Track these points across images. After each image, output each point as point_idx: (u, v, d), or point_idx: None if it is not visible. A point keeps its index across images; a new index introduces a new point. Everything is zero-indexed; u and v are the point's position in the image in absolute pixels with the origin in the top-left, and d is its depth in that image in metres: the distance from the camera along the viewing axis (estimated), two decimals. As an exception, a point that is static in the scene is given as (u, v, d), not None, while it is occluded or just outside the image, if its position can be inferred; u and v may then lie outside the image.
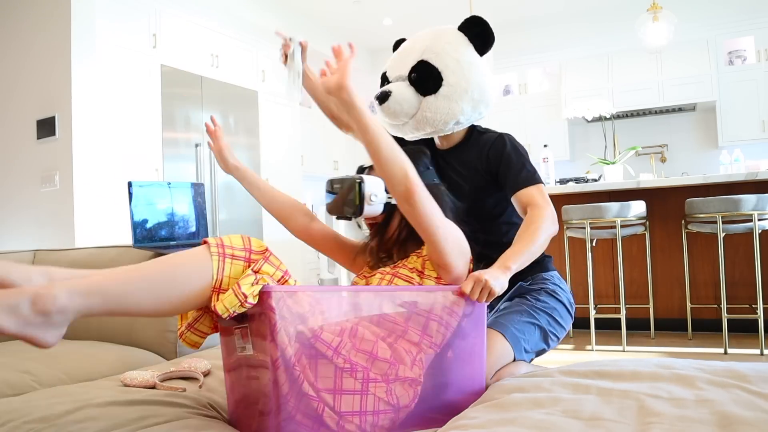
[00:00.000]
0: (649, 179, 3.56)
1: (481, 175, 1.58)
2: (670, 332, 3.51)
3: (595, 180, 3.96)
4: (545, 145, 4.01)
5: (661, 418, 0.93)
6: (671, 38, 4.16)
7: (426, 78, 1.53)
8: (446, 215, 1.29)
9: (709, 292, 3.46)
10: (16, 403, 1.15)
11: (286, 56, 1.62)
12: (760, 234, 2.99)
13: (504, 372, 1.35)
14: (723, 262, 3.06)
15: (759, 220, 2.96)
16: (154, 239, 1.80)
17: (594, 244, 3.47)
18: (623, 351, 3.11)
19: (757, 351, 2.94)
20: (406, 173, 1.14)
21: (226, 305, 0.97)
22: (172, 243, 1.84)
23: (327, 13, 6.00)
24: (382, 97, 1.56)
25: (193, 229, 1.91)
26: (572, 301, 1.60)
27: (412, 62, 1.55)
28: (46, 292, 0.89)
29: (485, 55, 1.59)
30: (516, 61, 6.54)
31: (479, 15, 1.58)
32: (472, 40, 1.57)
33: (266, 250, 1.09)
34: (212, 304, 1.00)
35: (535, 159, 1.92)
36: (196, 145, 4.60)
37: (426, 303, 1.18)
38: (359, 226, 1.49)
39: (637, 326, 3.55)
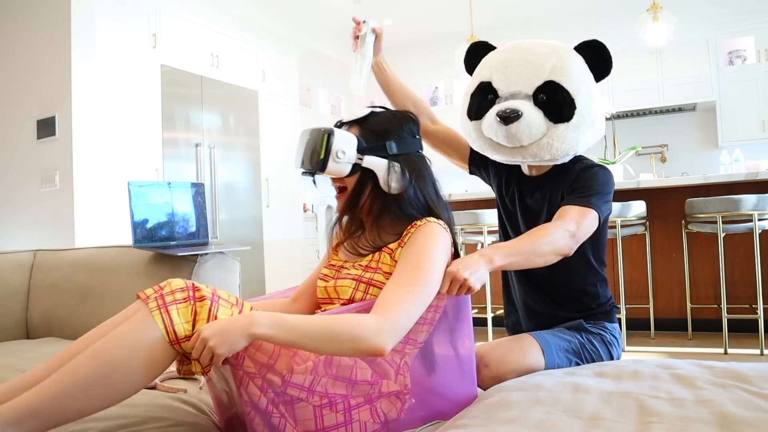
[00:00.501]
0: (649, 179, 3.56)
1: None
2: (670, 332, 3.51)
3: (595, 180, 3.95)
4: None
5: (661, 418, 0.93)
6: (671, 38, 4.16)
7: (559, 103, 1.37)
8: (428, 189, 1.22)
9: (709, 292, 3.46)
10: (16, 403, 1.14)
11: (357, 40, 1.46)
12: (760, 234, 2.99)
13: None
14: (723, 262, 3.06)
15: (759, 220, 2.96)
16: (154, 239, 1.80)
17: (594, 244, 3.47)
18: (623, 351, 3.10)
19: (757, 351, 2.94)
20: (351, 339, 0.95)
21: (194, 370, 0.92)
22: (172, 243, 1.84)
23: (327, 13, 6.00)
24: (510, 117, 1.36)
25: (193, 229, 1.91)
26: (621, 357, 1.55)
27: (539, 81, 1.38)
28: None
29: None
30: (516, 61, 6.53)
31: (600, 40, 1.43)
32: (590, 65, 1.43)
33: (214, 292, 0.99)
34: (178, 368, 0.93)
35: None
36: (196, 145, 4.60)
37: None
38: (314, 183, 1.33)
39: (637, 326, 3.55)
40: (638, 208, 3.16)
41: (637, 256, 3.56)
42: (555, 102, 1.37)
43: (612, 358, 1.50)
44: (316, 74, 6.80)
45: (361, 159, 1.18)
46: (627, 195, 3.47)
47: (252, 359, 0.94)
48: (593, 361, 1.45)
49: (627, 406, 1.00)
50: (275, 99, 5.55)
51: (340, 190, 1.25)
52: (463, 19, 5.80)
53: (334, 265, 1.29)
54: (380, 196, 1.19)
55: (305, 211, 6.26)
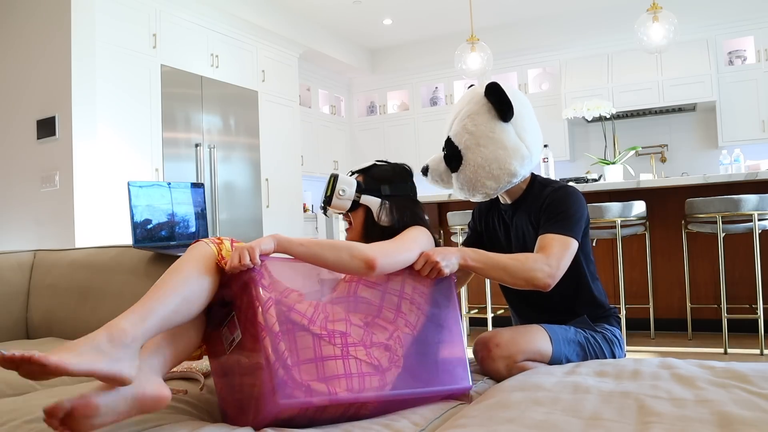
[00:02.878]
0: (649, 179, 3.56)
1: (535, 228, 1.58)
2: (670, 332, 3.51)
3: (596, 180, 3.95)
4: (545, 145, 4.00)
5: (661, 417, 0.93)
6: (671, 38, 4.15)
7: (450, 157, 1.60)
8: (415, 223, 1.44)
9: (709, 292, 3.46)
10: (16, 402, 1.15)
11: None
12: (760, 234, 2.99)
13: (524, 365, 1.41)
14: (723, 262, 3.06)
15: (759, 220, 2.96)
16: (154, 239, 1.80)
17: (594, 244, 3.47)
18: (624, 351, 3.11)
19: (757, 351, 2.94)
20: (351, 253, 1.21)
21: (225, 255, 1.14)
22: (172, 243, 1.84)
23: (327, 13, 6.00)
24: (424, 171, 1.69)
25: (193, 229, 1.91)
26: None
27: (445, 137, 1.63)
28: (117, 328, 0.97)
29: (517, 116, 1.54)
30: (516, 61, 6.54)
31: (496, 81, 1.56)
32: (494, 106, 1.54)
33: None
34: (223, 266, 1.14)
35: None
36: (196, 145, 4.61)
37: (396, 281, 1.28)
38: (325, 215, 1.60)
39: (637, 326, 3.55)
40: (638, 208, 3.16)
41: (637, 256, 3.56)
42: (449, 156, 1.61)
43: (614, 357, 1.57)
44: (316, 74, 6.80)
45: (358, 197, 1.47)
46: (627, 195, 3.47)
47: (272, 281, 1.13)
48: (596, 356, 1.52)
49: (627, 406, 1.00)
50: (275, 99, 5.55)
51: (348, 226, 1.53)
52: (463, 19, 5.80)
53: None
54: (377, 228, 1.46)
55: (305, 211, 6.26)
